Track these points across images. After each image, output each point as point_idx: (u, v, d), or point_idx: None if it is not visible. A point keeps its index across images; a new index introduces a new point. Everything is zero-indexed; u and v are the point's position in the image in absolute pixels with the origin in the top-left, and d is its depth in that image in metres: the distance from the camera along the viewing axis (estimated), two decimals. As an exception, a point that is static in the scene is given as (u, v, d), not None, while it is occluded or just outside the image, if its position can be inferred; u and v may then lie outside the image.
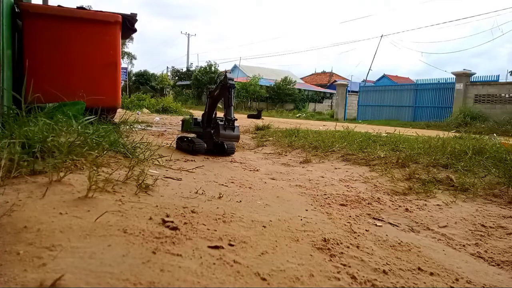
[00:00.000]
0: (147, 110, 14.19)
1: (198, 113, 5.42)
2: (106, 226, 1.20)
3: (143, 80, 38.00)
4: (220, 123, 3.40)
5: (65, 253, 0.99)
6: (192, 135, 4.16)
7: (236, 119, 3.45)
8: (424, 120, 16.92)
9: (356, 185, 2.88)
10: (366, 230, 1.74)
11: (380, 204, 2.33)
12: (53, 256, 0.96)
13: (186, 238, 1.25)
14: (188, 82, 36.98)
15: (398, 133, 5.72)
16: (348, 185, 2.85)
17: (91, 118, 2.53)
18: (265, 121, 10.22)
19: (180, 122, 4.45)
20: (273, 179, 2.92)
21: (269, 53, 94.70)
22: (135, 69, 39.97)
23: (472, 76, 16.26)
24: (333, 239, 1.52)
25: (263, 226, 1.56)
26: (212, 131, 3.69)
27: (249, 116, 15.67)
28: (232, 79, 3.56)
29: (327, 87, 38.89)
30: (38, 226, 1.11)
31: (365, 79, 25.81)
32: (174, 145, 4.16)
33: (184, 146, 3.94)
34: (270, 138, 5.70)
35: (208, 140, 3.88)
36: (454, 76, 16.62)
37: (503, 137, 7.84)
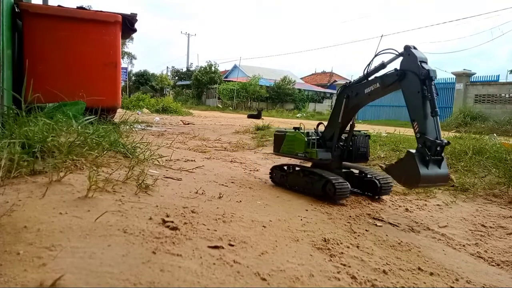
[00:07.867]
0: (147, 110, 14.21)
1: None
2: (106, 226, 1.20)
3: (143, 80, 38.04)
4: (412, 151, 1.81)
5: (65, 253, 0.99)
6: (292, 160, 2.68)
7: (449, 143, 1.82)
8: (424, 120, 16.86)
9: (356, 185, 2.88)
10: (366, 230, 1.74)
11: (380, 204, 2.33)
12: (53, 256, 0.96)
13: (186, 238, 1.25)
14: (188, 82, 36.97)
15: (398, 133, 5.72)
16: (348, 185, 2.85)
17: (91, 118, 2.53)
18: (265, 121, 10.22)
19: (273, 137, 2.71)
20: (273, 179, 2.91)
21: (269, 53, 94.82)
22: (135, 69, 40.06)
23: (472, 76, 16.26)
24: (333, 239, 1.52)
25: (263, 226, 1.57)
26: (386, 167, 2.00)
27: (249, 116, 15.67)
28: (426, 60, 1.90)
29: (327, 87, 38.84)
30: (38, 226, 1.11)
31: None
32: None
33: (302, 184, 2.35)
34: (270, 138, 5.69)
35: (337, 170, 2.35)
36: (454, 76, 16.61)
37: (503, 137, 7.83)
